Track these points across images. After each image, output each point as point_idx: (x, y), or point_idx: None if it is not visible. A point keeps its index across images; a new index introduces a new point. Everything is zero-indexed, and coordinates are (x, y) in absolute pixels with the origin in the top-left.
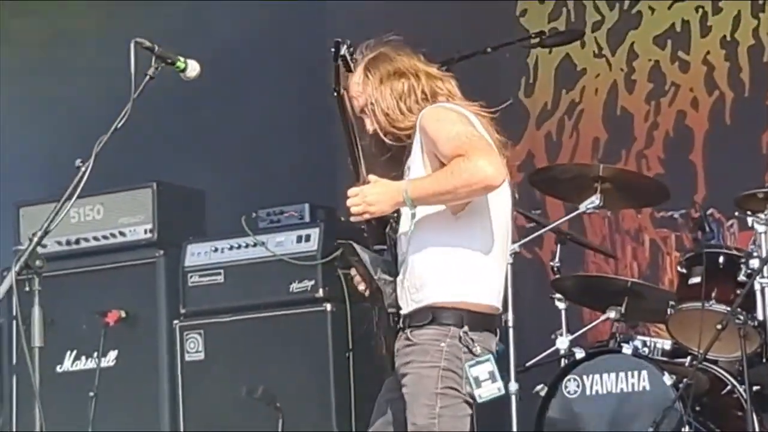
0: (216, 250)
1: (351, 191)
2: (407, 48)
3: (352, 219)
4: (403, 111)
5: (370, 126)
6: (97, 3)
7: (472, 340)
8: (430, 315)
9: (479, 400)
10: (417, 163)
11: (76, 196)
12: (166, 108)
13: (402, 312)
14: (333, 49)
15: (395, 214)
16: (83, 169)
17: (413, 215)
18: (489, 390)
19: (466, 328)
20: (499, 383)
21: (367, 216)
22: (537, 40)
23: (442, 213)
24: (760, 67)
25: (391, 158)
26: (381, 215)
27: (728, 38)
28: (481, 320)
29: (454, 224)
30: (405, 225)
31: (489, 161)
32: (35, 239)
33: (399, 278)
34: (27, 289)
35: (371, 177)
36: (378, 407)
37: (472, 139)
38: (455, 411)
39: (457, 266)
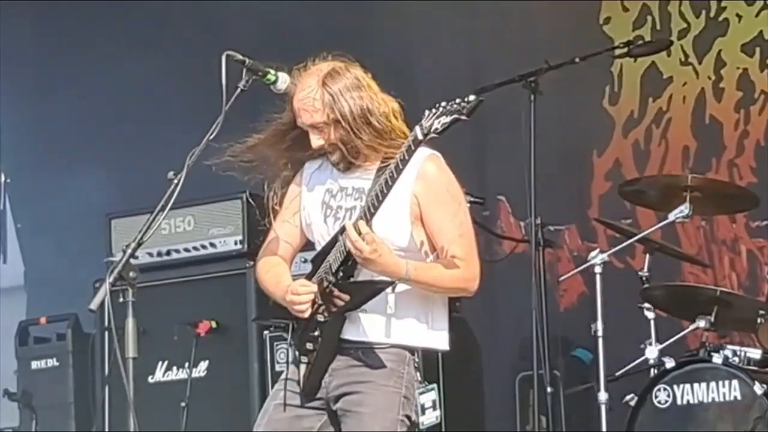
0: (305, 260)
1: (366, 233)
2: (353, 62)
3: (355, 254)
4: (367, 125)
5: (318, 141)
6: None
7: (417, 367)
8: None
9: (421, 427)
10: (401, 203)
11: (169, 207)
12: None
13: (357, 339)
14: (472, 106)
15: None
16: (176, 181)
17: (394, 287)
18: (430, 418)
19: (416, 355)
20: (438, 411)
21: (361, 261)
22: (625, 49)
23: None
24: None
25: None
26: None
27: None
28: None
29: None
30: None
31: (477, 279)
32: (129, 250)
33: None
34: (121, 300)
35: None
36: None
37: (473, 244)
38: None
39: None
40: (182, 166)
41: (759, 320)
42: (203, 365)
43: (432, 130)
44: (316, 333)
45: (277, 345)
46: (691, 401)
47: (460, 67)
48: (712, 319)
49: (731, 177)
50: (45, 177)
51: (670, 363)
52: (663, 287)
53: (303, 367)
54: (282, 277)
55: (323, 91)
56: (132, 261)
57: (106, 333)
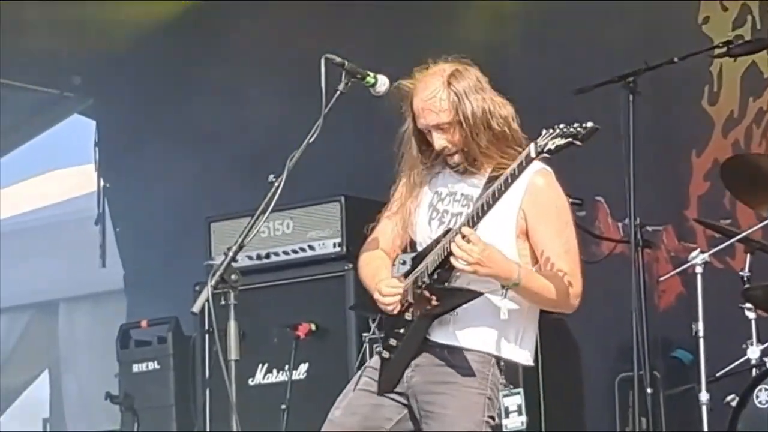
0: (404, 262)
1: (475, 239)
2: (471, 64)
3: (458, 264)
4: (488, 128)
5: (442, 142)
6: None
7: (502, 369)
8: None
9: (504, 431)
10: (508, 217)
11: (270, 210)
12: (355, 121)
13: (446, 342)
14: (588, 133)
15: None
16: (276, 184)
17: (505, 294)
18: (514, 423)
19: (501, 360)
20: (524, 417)
21: (469, 269)
22: (724, 49)
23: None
24: None
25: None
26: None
27: None
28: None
29: None
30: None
31: (580, 297)
32: (230, 253)
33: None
34: (222, 302)
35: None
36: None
37: (578, 263)
38: None
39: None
40: (282, 169)
41: None
42: (303, 368)
43: (545, 150)
44: (402, 331)
45: (376, 347)
46: None
47: (556, 68)
48: None
49: None
50: (143, 181)
51: None
52: (764, 287)
53: (384, 362)
54: (379, 271)
55: (449, 91)
56: (232, 264)
57: (207, 336)
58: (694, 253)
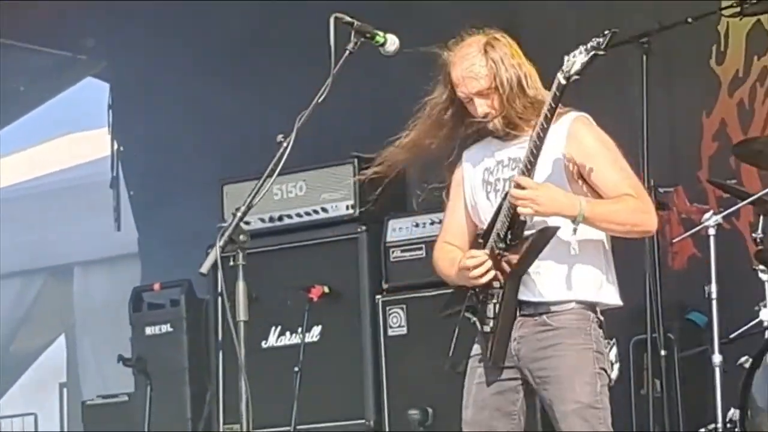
0: (417, 225)
1: (526, 182)
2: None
3: (520, 210)
4: (522, 94)
5: (484, 108)
6: None
7: (601, 325)
8: (573, 302)
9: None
10: (555, 165)
11: (278, 171)
12: (366, 82)
13: (535, 299)
14: (607, 40)
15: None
16: (285, 144)
17: (575, 230)
18: (615, 372)
19: (599, 312)
20: (618, 364)
21: (531, 211)
22: (738, 9)
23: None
24: None
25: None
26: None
27: None
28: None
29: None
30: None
31: (655, 214)
32: (238, 214)
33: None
34: (231, 263)
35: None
36: (480, 402)
37: (641, 185)
38: (607, 390)
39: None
40: (292, 130)
41: None
42: (316, 330)
43: (574, 72)
44: (495, 300)
45: (389, 309)
46: None
47: (566, 28)
48: None
49: None
50: (157, 144)
51: None
52: None
53: (486, 335)
54: (456, 257)
55: (486, 58)
56: (245, 227)
57: (219, 298)
58: (707, 215)
